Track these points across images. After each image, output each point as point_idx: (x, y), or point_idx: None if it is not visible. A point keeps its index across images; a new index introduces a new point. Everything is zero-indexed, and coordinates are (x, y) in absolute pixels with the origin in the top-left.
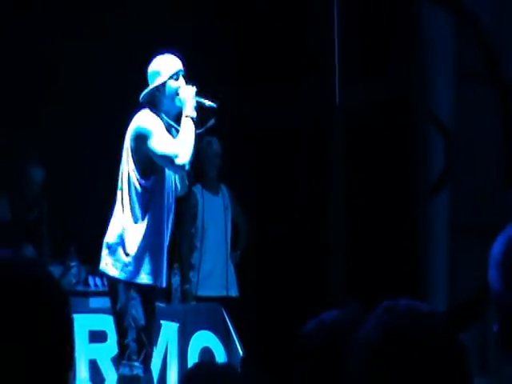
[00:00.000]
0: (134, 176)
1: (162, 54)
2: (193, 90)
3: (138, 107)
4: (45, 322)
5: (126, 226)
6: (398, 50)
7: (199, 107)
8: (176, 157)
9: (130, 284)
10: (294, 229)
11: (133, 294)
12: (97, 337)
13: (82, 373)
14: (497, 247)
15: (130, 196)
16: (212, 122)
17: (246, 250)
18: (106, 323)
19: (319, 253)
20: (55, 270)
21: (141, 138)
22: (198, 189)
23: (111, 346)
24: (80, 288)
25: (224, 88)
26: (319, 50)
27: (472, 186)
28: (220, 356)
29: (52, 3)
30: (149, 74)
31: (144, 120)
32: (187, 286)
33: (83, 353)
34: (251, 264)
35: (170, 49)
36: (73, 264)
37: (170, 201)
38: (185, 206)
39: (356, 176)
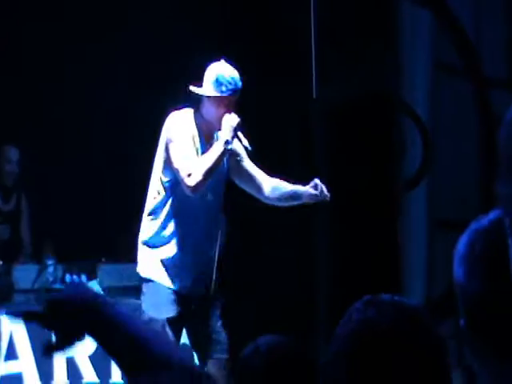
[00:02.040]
0: (159, 175)
1: (230, 61)
2: (236, 120)
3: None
4: None
5: (145, 228)
6: (374, 44)
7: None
8: (187, 175)
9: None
10: (277, 229)
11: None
12: None
13: (60, 371)
14: (461, 242)
15: (152, 194)
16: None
17: (226, 251)
18: None
19: (301, 252)
20: (31, 269)
21: (167, 141)
22: None
23: (89, 344)
24: (57, 286)
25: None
26: (295, 47)
27: (450, 180)
28: None
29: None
30: (208, 73)
31: (174, 123)
32: None
33: None
34: (231, 265)
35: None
36: (49, 262)
37: (205, 204)
38: None
39: (336, 171)
